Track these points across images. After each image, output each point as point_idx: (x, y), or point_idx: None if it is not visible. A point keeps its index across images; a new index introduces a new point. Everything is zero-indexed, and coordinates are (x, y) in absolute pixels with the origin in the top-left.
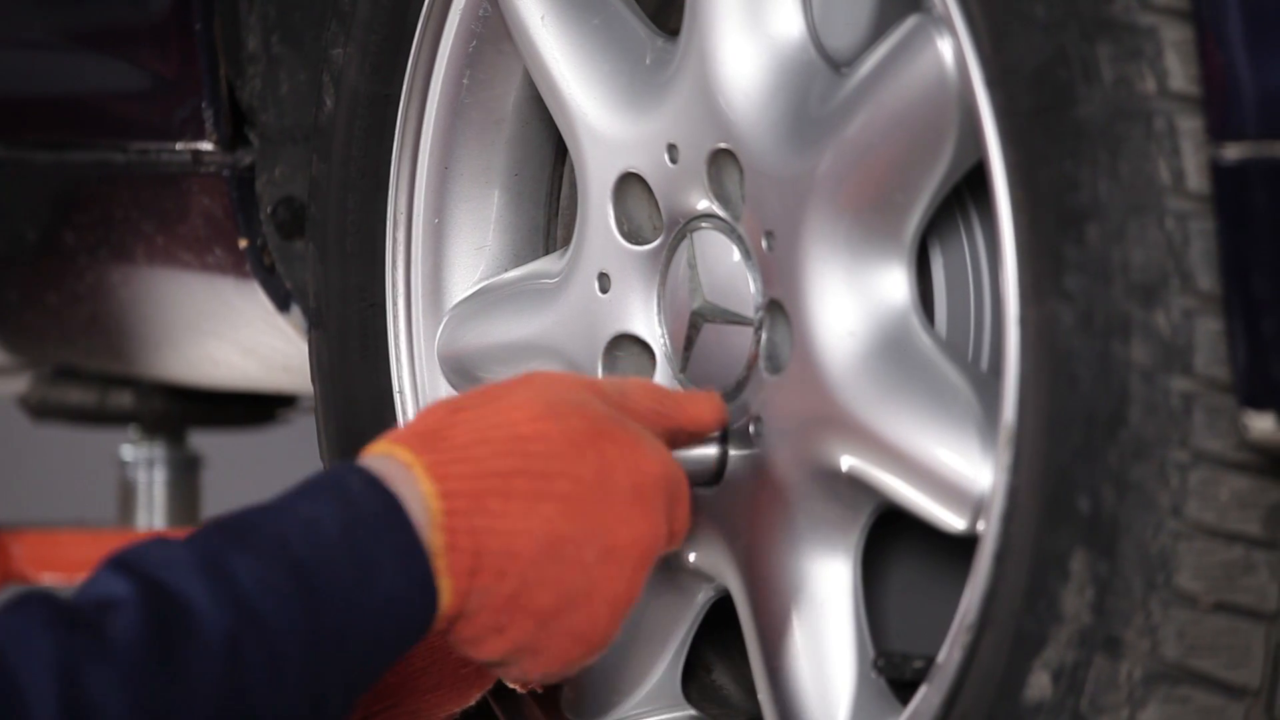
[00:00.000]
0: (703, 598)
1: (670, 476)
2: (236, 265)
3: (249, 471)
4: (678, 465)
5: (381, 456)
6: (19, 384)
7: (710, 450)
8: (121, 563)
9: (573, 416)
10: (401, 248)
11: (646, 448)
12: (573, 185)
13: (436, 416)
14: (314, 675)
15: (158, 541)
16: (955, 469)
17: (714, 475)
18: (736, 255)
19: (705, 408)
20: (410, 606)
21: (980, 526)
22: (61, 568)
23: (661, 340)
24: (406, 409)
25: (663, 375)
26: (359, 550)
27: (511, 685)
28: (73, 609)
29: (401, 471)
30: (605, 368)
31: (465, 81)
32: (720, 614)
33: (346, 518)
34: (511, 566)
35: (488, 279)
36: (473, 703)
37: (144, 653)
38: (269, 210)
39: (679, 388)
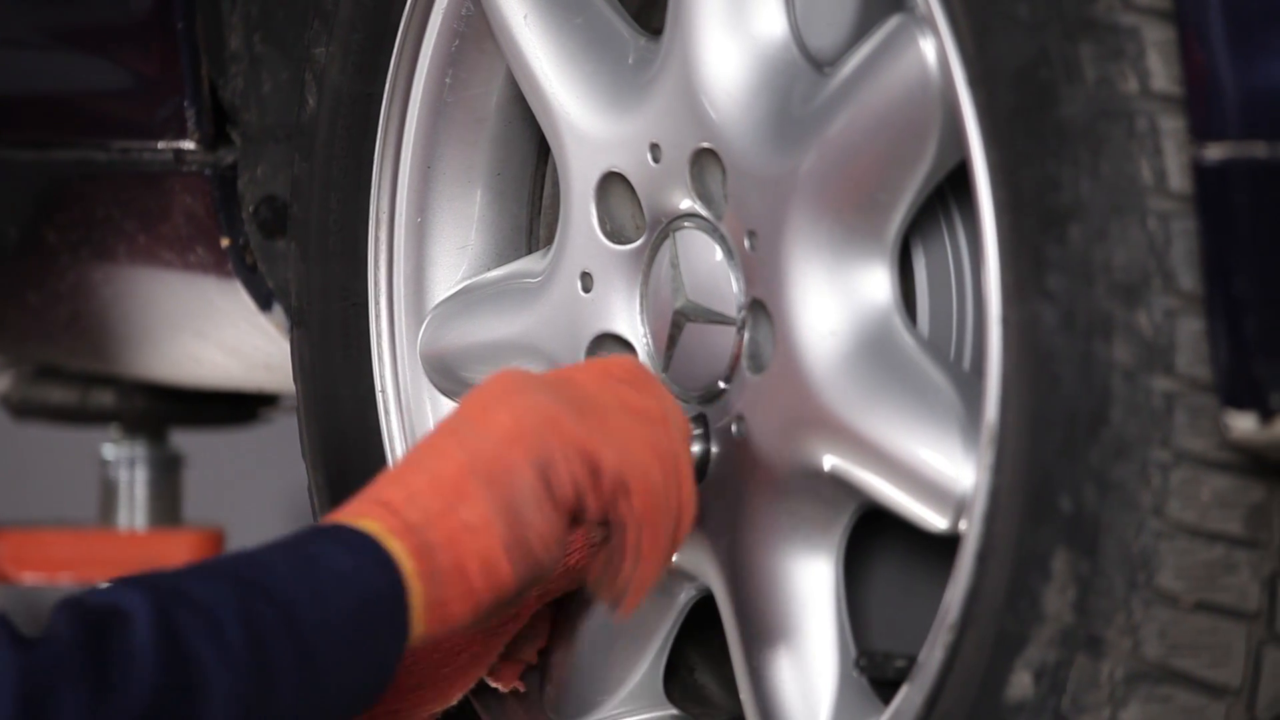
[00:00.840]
0: (685, 597)
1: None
2: (218, 264)
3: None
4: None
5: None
6: (0, 382)
7: (693, 448)
8: (62, 603)
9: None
10: (384, 247)
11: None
12: (555, 184)
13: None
14: (261, 645)
15: (173, 587)
16: (937, 468)
17: (697, 473)
18: (719, 255)
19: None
20: (368, 574)
21: (962, 526)
22: (43, 567)
23: (644, 340)
24: (389, 408)
25: None
26: (298, 550)
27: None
28: (14, 632)
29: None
30: None
31: (448, 80)
32: (702, 613)
33: (287, 541)
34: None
35: (470, 278)
36: (454, 702)
37: (78, 644)
38: (251, 209)
39: None
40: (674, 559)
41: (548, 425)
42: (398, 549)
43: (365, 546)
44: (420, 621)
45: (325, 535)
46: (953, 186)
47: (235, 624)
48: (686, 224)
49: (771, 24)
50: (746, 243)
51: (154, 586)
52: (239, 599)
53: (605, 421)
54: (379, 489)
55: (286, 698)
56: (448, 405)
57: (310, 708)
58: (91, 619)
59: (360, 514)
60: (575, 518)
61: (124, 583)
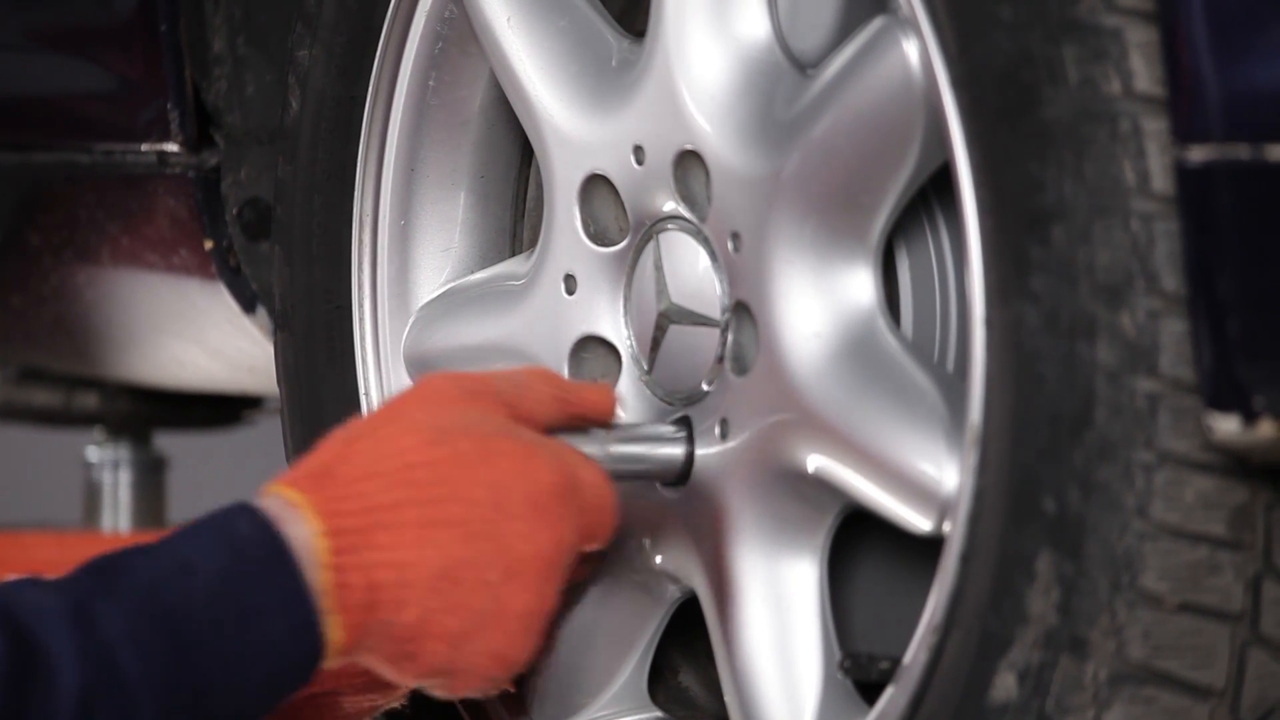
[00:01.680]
0: (669, 599)
1: (569, 484)
2: (202, 267)
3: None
4: (580, 466)
5: (273, 496)
6: None
7: (677, 450)
8: None
9: (462, 439)
10: (368, 249)
11: (541, 458)
12: (539, 187)
13: (330, 450)
14: None
15: (31, 583)
16: (921, 470)
17: (681, 475)
18: (703, 257)
19: (599, 396)
20: (293, 649)
21: (946, 527)
22: (26, 569)
23: (628, 342)
24: (373, 411)
25: (629, 377)
26: (238, 595)
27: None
28: None
29: (290, 512)
30: (571, 369)
31: (431, 83)
32: (687, 616)
33: (227, 561)
34: (410, 596)
35: (454, 281)
36: (402, 699)
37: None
38: (235, 211)
39: (645, 390)
40: (658, 561)
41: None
42: (337, 631)
43: (302, 620)
44: (332, 662)
45: (275, 582)
46: (936, 188)
47: (151, 712)
48: (670, 226)
49: (755, 26)
50: (730, 245)
51: (86, 641)
52: (166, 684)
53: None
54: (388, 565)
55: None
56: None
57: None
58: (17, 661)
59: (342, 595)
60: None
61: (59, 611)
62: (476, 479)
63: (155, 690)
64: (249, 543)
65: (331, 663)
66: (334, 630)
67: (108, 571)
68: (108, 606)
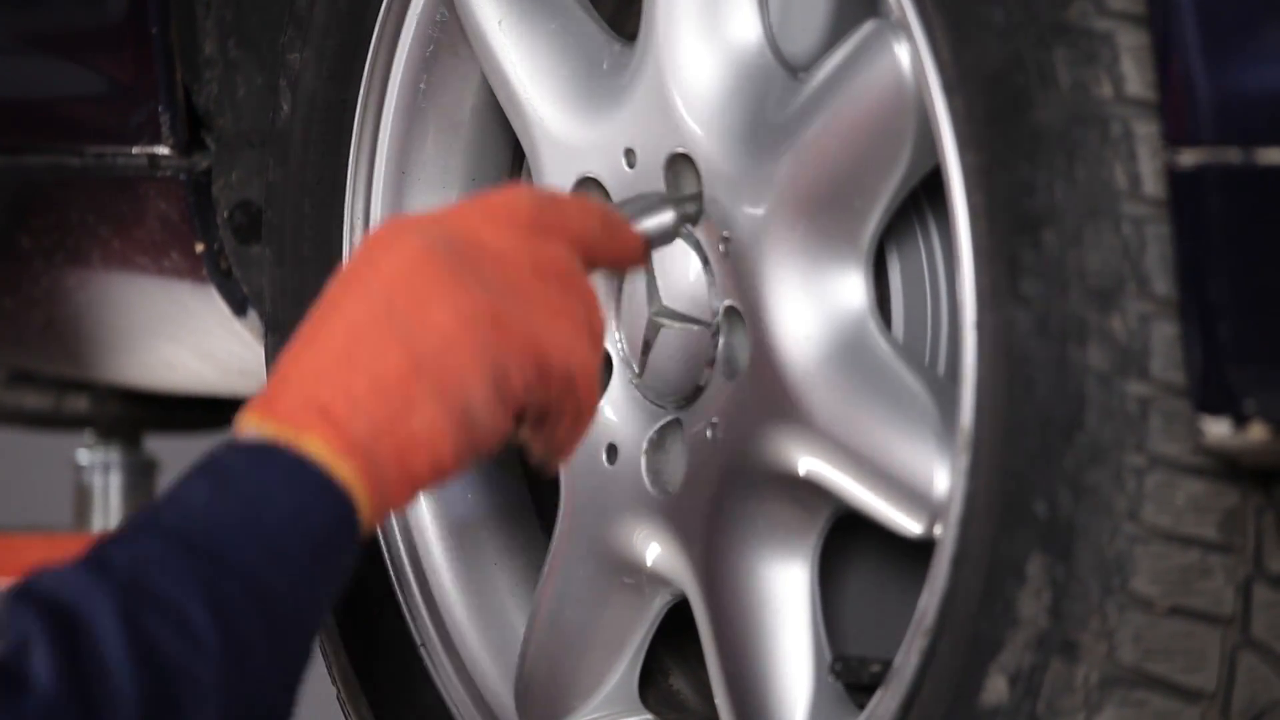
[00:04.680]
0: (660, 602)
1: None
2: (193, 269)
3: None
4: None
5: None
6: None
7: (667, 216)
8: (16, 595)
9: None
10: None
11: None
12: None
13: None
14: (230, 621)
15: (43, 571)
16: (912, 473)
17: (693, 208)
18: (693, 260)
19: (629, 245)
20: (316, 507)
21: (937, 531)
22: (16, 572)
23: (619, 344)
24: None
25: (619, 380)
26: (235, 493)
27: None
28: None
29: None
30: None
31: (422, 86)
32: (677, 619)
33: (215, 477)
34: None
35: None
36: None
37: (61, 689)
38: (226, 214)
39: (635, 393)
40: (649, 563)
41: (492, 325)
42: (346, 470)
43: (306, 479)
44: (367, 522)
45: (264, 467)
46: (927, 191)
47: (204, 614)
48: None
49: (746, 29)
50: (721, 248)
51: (113, 577)
52: (202, 582)
53: (548, 312)
54: (312, 389)
55: (264, 663)
56: None
57: (286, 653)
58: (61, 639)
59: (300, 424)
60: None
61: (80, 571)
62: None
63: (195, 593)
64: (228, 458)
65: (373, 516)
66: (351, 481)
67: (108, 533)
68: (114, 547)
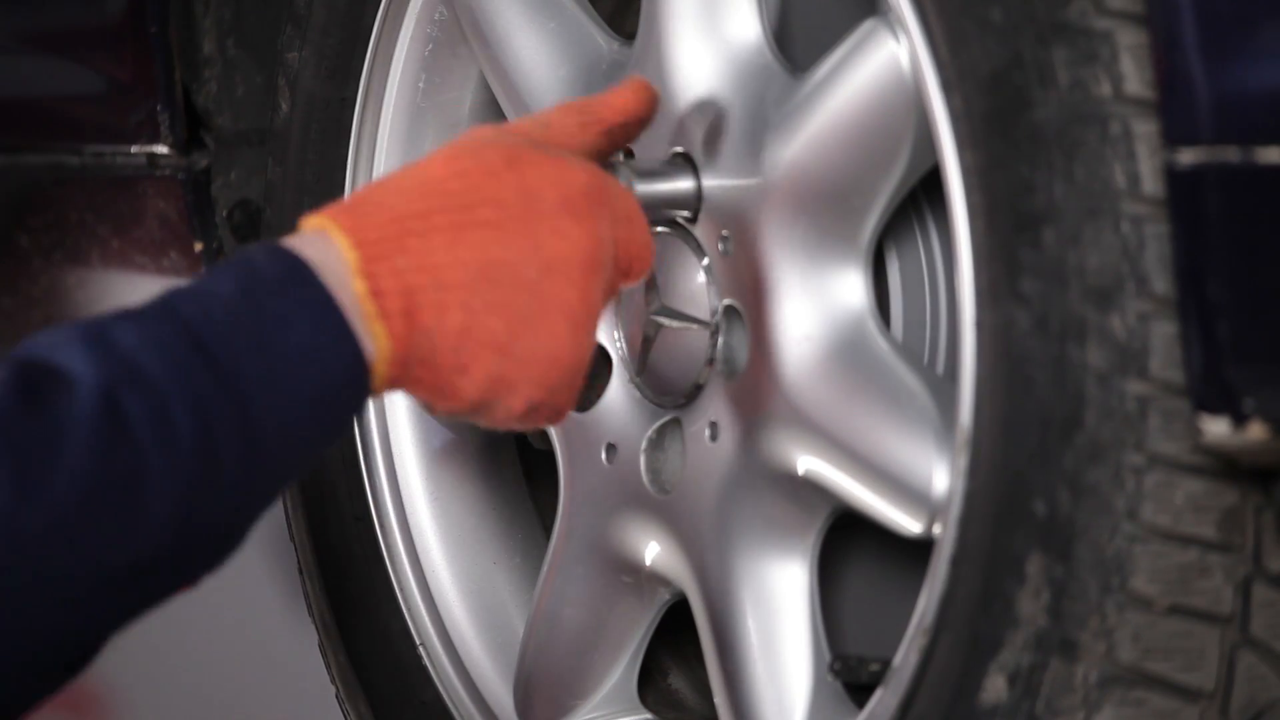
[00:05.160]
0: (659, 602)
1: (600, 184)
2: (192, 268)
3: None
4: (612, 179)
5: (295, 234)
6: None
7: (686, 183)
8: (8, 356)
9: (487, 150)
10: None
11: (569, 162)
12: None
13: (355, 192)
14: (209, 434)
15: (48, 330)
16: (911, 472)
17: (692, 207)
18: (693, 259)
19: (626, 93)
20: (333, 358)
21: (936, 530)
22: None
23: (618, 343)
24: (363, 411)
25: (619, 379)
26: (259, 308)
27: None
28: None
29: (315, 237)
30: None
31: (421, 85)
32: (676, 618)
33: (245, 282)
34: (449, 299)
35: None
36: None
37: (11, 414)
38: (225, 214)
39: (635, 392)
40: (648, 562)
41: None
42: (384, 346)
43: (335, 325)
44: (379, 390)
45: (298, 287)
46: (926, 191)
47: (186, 415)
48: (660, 228)
49: (745, 28)
50: (720, 247)
51: (107, 349)
52: (193, 379)
53: (541, 335)
54: (411, 272)
55: (230, 489)
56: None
57: (255, 488)
58: (33, 378)
59: (379, 298)
60: None
61: (75, 335)
62: (506, 183)
63: (184, 387)
64: (268, 265)
65: (382, 386)
66: (379, 340)
67: (121, 309)
68: (123, 325)
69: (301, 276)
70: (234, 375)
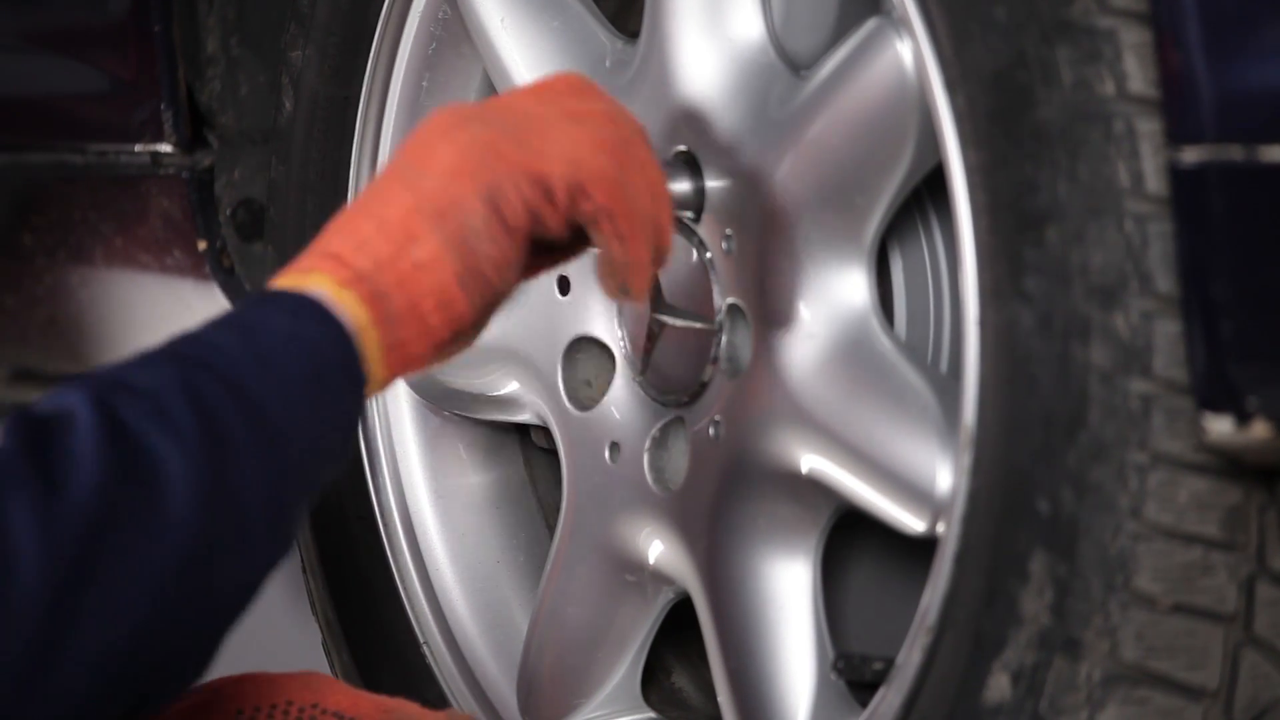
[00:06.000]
0: (662, 600)
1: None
2: (195, 267)
3: None
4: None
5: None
6: None
7: (689, 183)
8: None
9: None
10: None
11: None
12: None
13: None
14: (210, 419)
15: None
16: (915, 471)
17: (695, 206)
18: (696, 258)
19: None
20: (314, 335)
21: (940, 528)
22: None
23: (621, 343)
24: (365, 411)
25: (623, 378)
26: (237, 318)
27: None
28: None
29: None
30: (565, 370)
31: (424, 84)
32: (680, 617)
33: (221, 315)
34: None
35: None
36: None
37: (16, 458)
38: (228, 212)
39: (638, 391)
40: (652, 561)
41: (491, 153)
42: (349, 300)
43: (305, 306)
44: (380, 366)
45: (264, 302)
46: (930, 189)
47: (181, 404)
48: None
49: (748, 27)
50: (724, 245)
51: (94, 381)
52: (182, 379)
53: (548, 135)
54: (326, 241)
55: (246, 472)
56: (423, 410)
57: (273, 471)
58: (32, 426)
59: (307, 269)
60: (540, 238)
61: (65, 385)
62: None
63: (173, 383)
64: (243, 305)
65: (376, 349)
66: (352, 307)
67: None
68: (106, 367)
69: (269, 291)
70: (223, 366)
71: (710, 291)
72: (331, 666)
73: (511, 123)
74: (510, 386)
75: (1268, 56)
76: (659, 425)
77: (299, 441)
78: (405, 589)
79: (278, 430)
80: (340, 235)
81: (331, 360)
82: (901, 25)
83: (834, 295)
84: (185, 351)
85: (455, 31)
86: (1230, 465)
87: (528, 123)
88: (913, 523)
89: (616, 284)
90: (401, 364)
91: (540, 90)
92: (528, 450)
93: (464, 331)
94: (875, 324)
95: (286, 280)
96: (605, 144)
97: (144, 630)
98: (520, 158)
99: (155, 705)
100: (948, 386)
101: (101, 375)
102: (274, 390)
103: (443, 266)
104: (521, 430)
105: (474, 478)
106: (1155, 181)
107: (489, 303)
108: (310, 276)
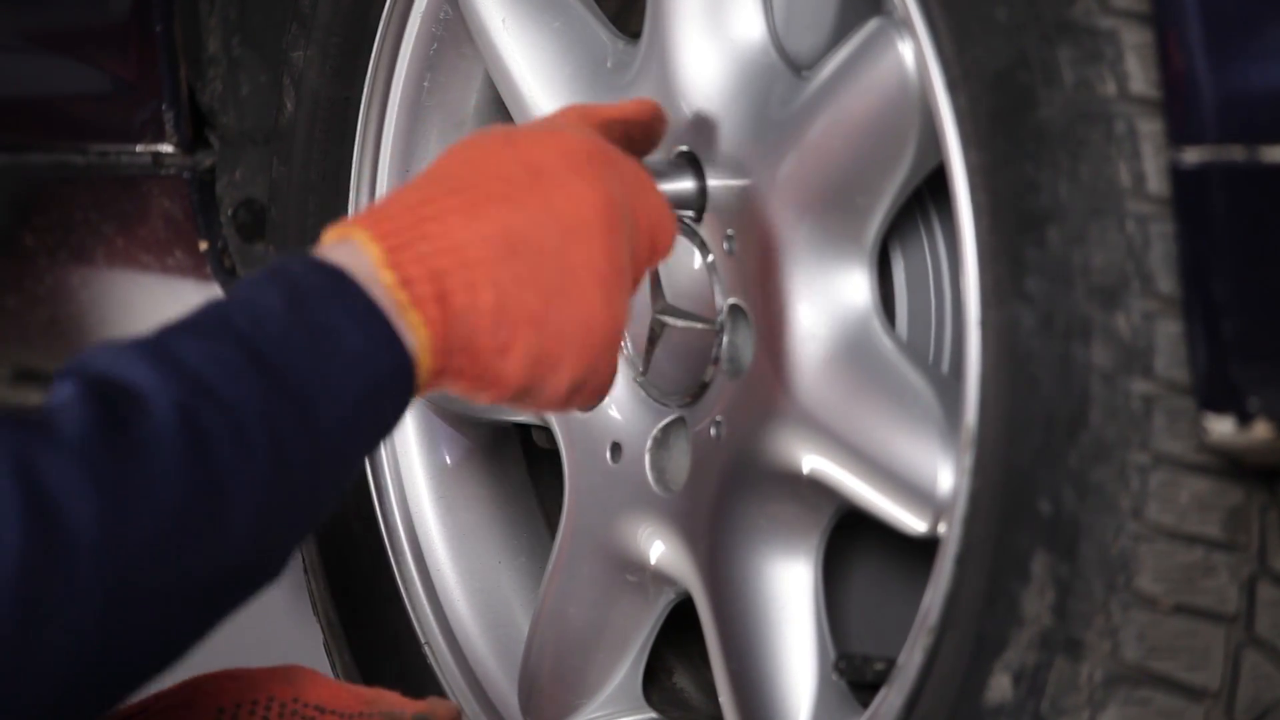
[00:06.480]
0: (664, 601)
1: (601, 147)
2: (197, 268)
3: None
4: (613, 146)
5: (320, 245)
6: None
7: (691, 183)
8: (66, 370)
9: (484, 138)
10: None
11: (565, 131)
12: None
13: (369, 204)
14: (281, 442)
15: (101, 345)
16: (916, 471)
17: (696, 206)
18: (698, 258)
19: (629, 102)
20: (381, 356)
21: (941, 529)
22: None
23: (623, 342)
24: None
25: (624, 378)
26: (308, 318)
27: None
28: (19, 412)
29: (339, 244)
30: None
31: (426, 84)
32: (681, 617)
33: (290, 294)
34: (478, 276)
35: None
36: None
37: (96, 437)
38: (230, 212)
39: (640, 391)
40: (653, 562)
41: (622, 214)
42: (420, 331)
43: (381, 330)
44: (425, 385)
45: (340, 299)
46: (931, 189)
47: (260, 432)
48: None
49: (750, 27)
50: (725, 246)
51: (174, 370)
52: (264, 399)
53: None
54: (433, 251)
55: (300, 495)
56: (425, 410)
57: (320, 499)
58: (107, 399)
59: (413, 294)
60: None
61: (139, 352)
62: (507, 159)
63: (253, 401)
64: (303, 276)
65: (427, 380)
66: (418, 330)
67: (174, 322)
68: (184, 340)
69: (341, 285)
70: (294, 385)
71: (711, 291)
72: (333, 666)
73: (625, 187)
74: None
75: (1269, 57)
76: (660, 425)
77: (348, 462)
78: (406, 589)
79: (332, 458)
80: (461, 277)
81: (389, 391)
82: (903, 25)
83: (835, 295)
84: (266, 353)
85: (457, 32)
86: (1232, 466)
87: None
88: (914, 523)
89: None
90: (432, 388)
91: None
92: (529, 451)
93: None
94: (876, 324)
95: (379, 273)
96: (603, 334)
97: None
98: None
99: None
100: (949, 387)
101: (179, 358)
102: (336, 419)
103: (510, 383)
104: (523, 430)
105: (475, 478)
106: (1157, 182)
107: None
108: (406, 303)
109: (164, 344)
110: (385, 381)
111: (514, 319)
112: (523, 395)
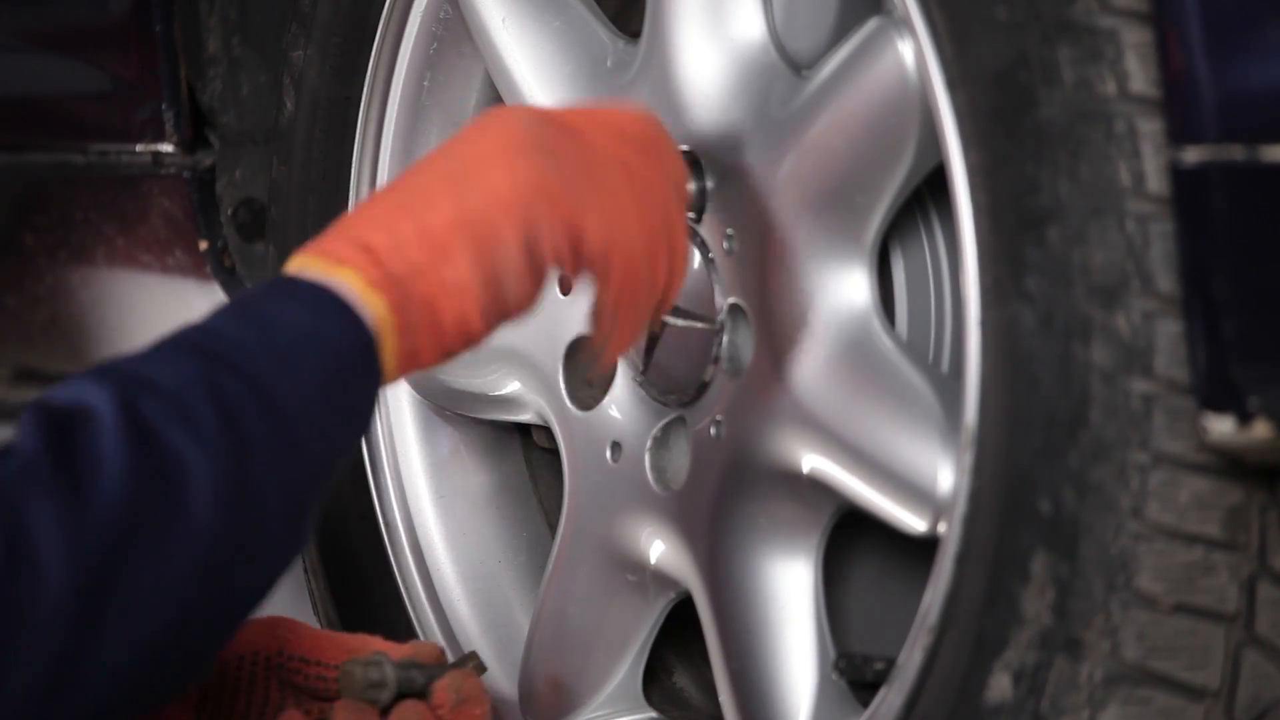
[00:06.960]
0: (664, 600)
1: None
2: (197, 267)
3: None
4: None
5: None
6: None
7: (691, 183)
8: (27, 409)
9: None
10: None
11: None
12: None
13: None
14: (231, 417)
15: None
16: (916, 471)
17: (696, 206)
18: (698, 257)
19: (628, 108)
20: (334, 331)
21: (941, 528)
22: None
23: None
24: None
25: (624, 377)
26: (256, 310)
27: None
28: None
29: (294, 262)
30: (566, 369)
31: (426, 84)
32: (681, 617)
33: (239, 300)
34: (400, 225)
35: None
36: None
37: (44, 454)
38: (230, 212)
39: (640, 391)
40: (653, 561)
41: (541, 195)
42: (377, 304)
43: (327, 301)
44: (392, 369)
45: (284, 291)
46: (931, 189)
47: (204, 405)
48: None
49: (750, 27)
50: (725, 245)
51: (116, 376)
52: (204, 377)
53: (600, 190)
54: (362, 230)
55: (266, 470)
56: (425, 409)
57: (292, 471)
58: (54, 423)
59: (340, 259)
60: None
61: (85, 376)
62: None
63: (195, 382)
64: (255, 286)
65: (394, 345)
66: (377, 307)
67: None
68: (125, 358)
69: (291, 280)
70: (243, 363)
71: (712, 291)
72: None
73: (570, 163)
74: (511, 386)
75: (1269, 56)
76: (660, 425)
77: (316, 441)
78: (406, 588)
79: (296, 430)
80: (377, 228)
81: (350, 361)
82: (903, 25)
83: (835, 295)
84: (205, 346)
85: (456, 31)
86: (1231, 465)
87: (585, 168)
88: (914, 523)
89: (590, 351)
90: (410, 368)
91: (613, 126)
92: (529, 450)
93: (473, 346)
94: (876, 324)
95: (313, 264)
96: (645, 222)
97: (167, 632)
98: (566, 207)
99: (165, 701)
100: (949, 386)
101: (121, 369)
102: (293, 390)
103: (470, 294)
104: (523, 430)
105: (475, 477)
106: (1156, 181)
107: (500, 326)
108: (341, 270)
109: (110, 364)
110: (345, 354)
111: (443, 241)
112: (492, 306)
